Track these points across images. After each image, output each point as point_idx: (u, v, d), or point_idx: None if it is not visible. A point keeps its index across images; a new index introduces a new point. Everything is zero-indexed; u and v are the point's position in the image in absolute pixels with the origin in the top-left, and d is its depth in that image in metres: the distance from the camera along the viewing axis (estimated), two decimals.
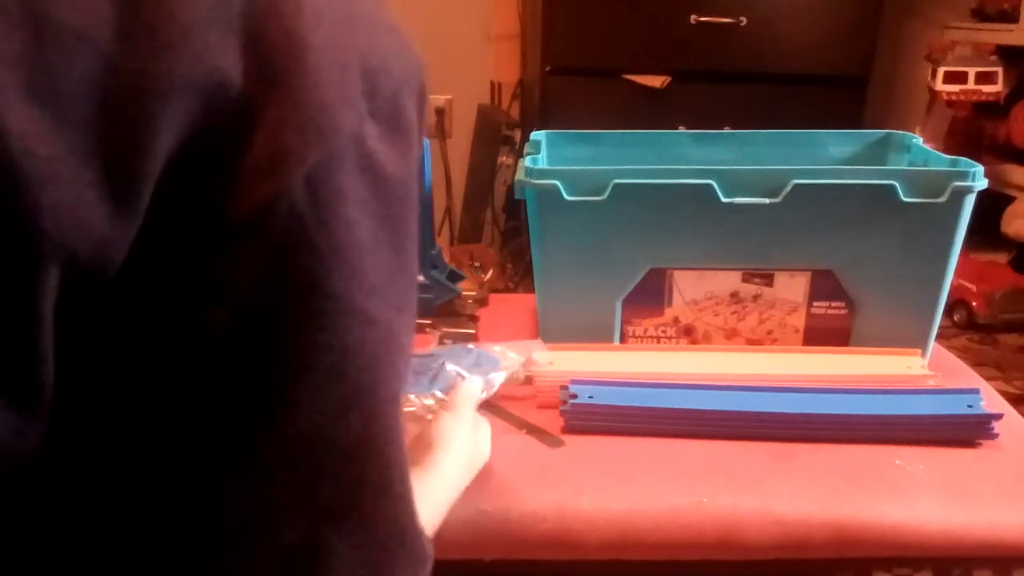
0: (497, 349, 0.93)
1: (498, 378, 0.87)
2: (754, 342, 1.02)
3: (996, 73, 2.42)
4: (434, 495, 0.64)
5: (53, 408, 0.32)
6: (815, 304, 1.00)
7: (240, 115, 0.32)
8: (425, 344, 1.03)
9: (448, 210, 2.69)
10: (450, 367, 0.88)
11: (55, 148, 0.29)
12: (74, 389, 0.32)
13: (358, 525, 0.38)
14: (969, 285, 2.45)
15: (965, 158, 0.98)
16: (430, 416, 0.76)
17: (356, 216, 0.35)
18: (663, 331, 1.02)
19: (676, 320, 1.02)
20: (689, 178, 0.94)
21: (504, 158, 2.59)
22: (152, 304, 0.33)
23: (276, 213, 0.33)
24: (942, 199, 0.93)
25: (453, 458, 0.69)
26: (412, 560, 0.41)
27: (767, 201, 0.94)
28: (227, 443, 0.34)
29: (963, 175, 0.93)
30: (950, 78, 2.42)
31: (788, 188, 0.93)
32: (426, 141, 0.99)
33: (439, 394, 0.83)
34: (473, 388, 0.80)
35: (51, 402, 0.32)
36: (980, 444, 0.86)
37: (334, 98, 0.34)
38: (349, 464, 0.37)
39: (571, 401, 0.87)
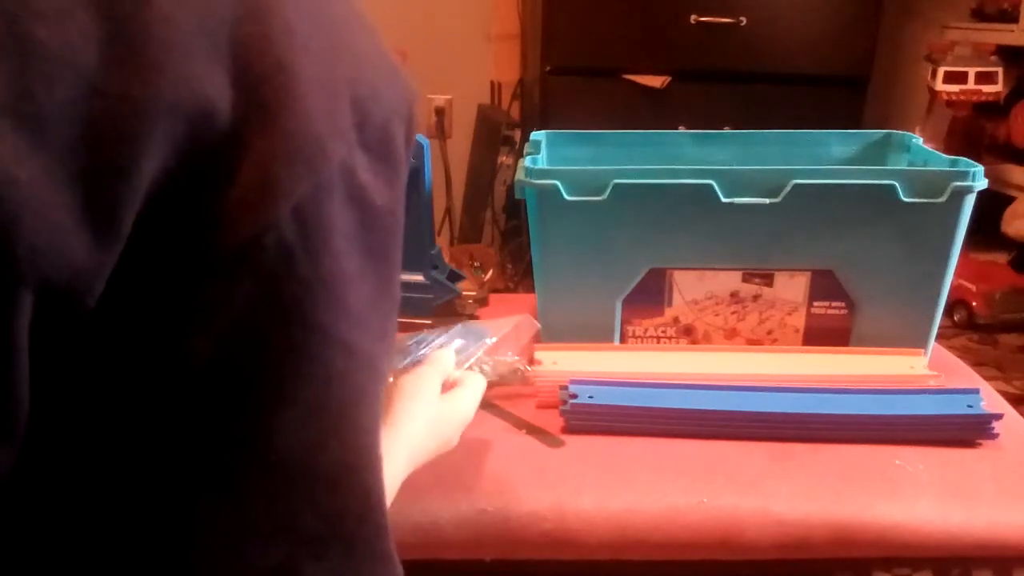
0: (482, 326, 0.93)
1: (477, 350, 0.87)
2: (754, 342, 1.02)
3: (996, 73, 2.42)
4: (390, 453, 0.62)
5: (27, 435, 0.31)
6: (815, 304, 1.00)
7: (227, 143, 0.32)
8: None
9: (448, 210, 2.69)
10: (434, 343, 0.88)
11: (33, 172, 0.28)
12: (49, 416, 0.32)
13: (337, 553, 0.37)
14: (969, 285, 2.45)
15: (965, 158, 0.98)
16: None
17: (343, 248, 0.35)
18: (663, 331, 1.02)
19: (676, 320, 1.02)
20: (689, 178, 0.94)
21: (504, 158, 2.59)
22: (134, 333, 0.32)
23: (264, 245, 0.32)
24: (942, 199, 0.93)
25: (410, 419, 0.67)
26: None
27: (767, 201, 0.94)
28: (206, 471, 0.34)
29: (963, 175, 0.93)
30: (950, 78, 2.42)
31: (788, 188, 0.93)
32: (426, 141, 1.00)
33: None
34: (444, 355, 0.78)
35: (24, 430, 0.31)
36: (980, 444, 0.86)
37: (323, 129, 0.34)
38: (329, 493, 0.37)
39: (571, 401, 0.87)
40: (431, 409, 0.70)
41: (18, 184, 0.28)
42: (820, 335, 1.01)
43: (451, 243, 2.62)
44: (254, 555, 0.35)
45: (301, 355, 0.34)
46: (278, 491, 0.35)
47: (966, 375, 1.03)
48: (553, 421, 0.88)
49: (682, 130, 1.22)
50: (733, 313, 1.01)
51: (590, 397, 0.88)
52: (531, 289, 1.03)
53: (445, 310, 1.12)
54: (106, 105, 0.30)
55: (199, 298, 0.32)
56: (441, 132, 2.74)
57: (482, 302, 1.20)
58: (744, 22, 2.35)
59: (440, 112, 2.75)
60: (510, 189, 2.49)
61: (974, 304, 2.45)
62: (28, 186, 0.28)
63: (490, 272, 2.02)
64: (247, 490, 0.34)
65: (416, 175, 0.99)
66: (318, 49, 0.35)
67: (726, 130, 1.20)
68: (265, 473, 0.34)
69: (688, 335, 1.02)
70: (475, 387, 0.77)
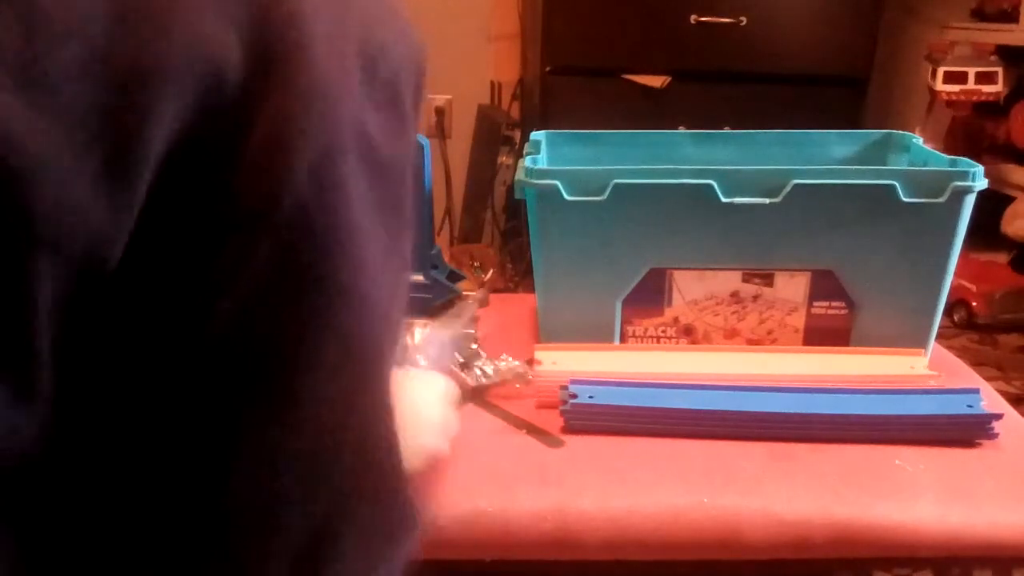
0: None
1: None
2: (754, 342, 1.02)
3: (996, 73, 2.42)
4: None
5: (54, 404, 0.31)
6: (815, 304, 1.00)
7: (239, 104, 0.32)
8: None
9: (448, 210, 2.69)
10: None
11: (46, 138, 0.29)
12: (77, 385, 0.32)
13: (366, 509, 0.38)
14: (969, 285, 2.44)
15: (965, 158, 0.98)
16: None
17: (357, 204, 0.35)
18: (663, 331, 1.02)
19: (676, 320, 1.01)
20: (689, 178, 0.94)
21: (504, 158, 2.59)
22: (158, 298, 0.32)
23: (281, 205, 0.33)
24: (942, 199, 0.93)
25: None
26: (411, 533, 0.41)
27: (767, 201, 0.94)
28: (237, 436, 0.34)
29: (963, 175, 0.93)
30: (950, 78, 2.42)
31: (788, 188, 0.93)
32: (426, 141, 0.99)
33: None
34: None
35: (50, 398, 0.31)
36: (980, 444, 0.86)
37: (334, 86, 0.34)
38: (358, 450, 0.37)
39: (571, 401, 0.87)
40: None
41: (31, 150, 0.28)
42: (820, 335, 1.01)
43: (451, 243, 2.62)
44: (289, 520, 0.35)
45: (322, 312, 0.34)
46: (309, 454, 0.35)
47: (966, 375, 1.03)
48: (553, 421, 0.88)
49: (682, 130, 1.22)
50: (733, 313, 1.01)
51: (590, 397, 0.88)
52: (531, 289, 1.03)
53: (445, 310, 1.12)
54: (117, 70, 0.30)
55: (219, 260, 0.32)
56: (441, 132, 2.74)
57: (482, 302, 1.20)
58: (744, 22, 2.35)
59: (440, 112, 2.75)
60: (510, 189, 2.49)
61: (974, 304, 2.45)
62: (42, 151, 0.28)
63: (490, 272, 2.02)
64: (279, 455, 0.35)
65: (416, 175, 0.99)
66: (327, 6, 0.35)
67: (726, 130, 1.20)
68: (296, 436, 0.35)
69: (688, 335, 1.02)
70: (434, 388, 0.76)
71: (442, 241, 2.62)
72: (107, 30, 0.30)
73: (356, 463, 0.37)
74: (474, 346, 0.94)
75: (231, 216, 0.32)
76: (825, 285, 0.99)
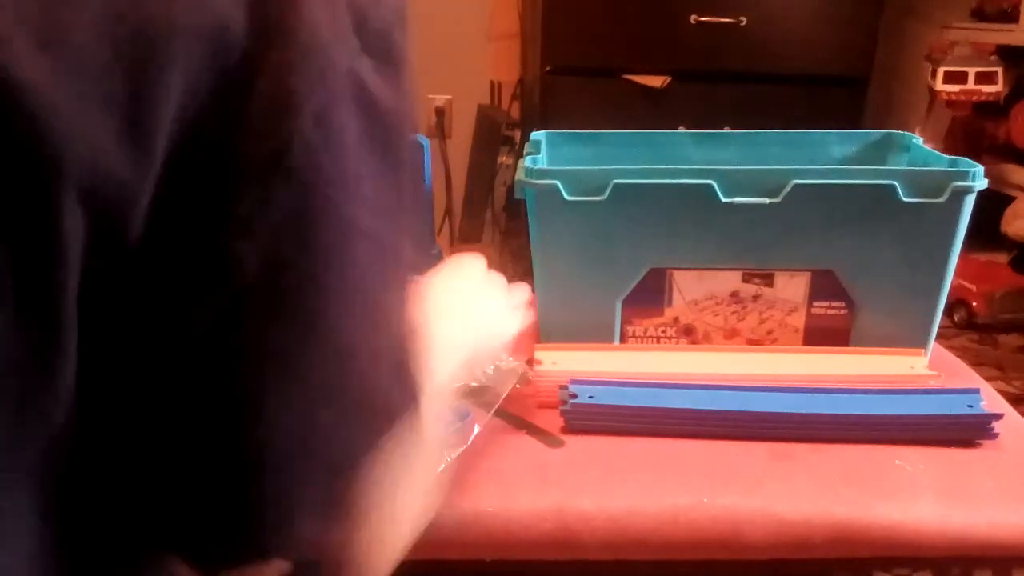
0: None
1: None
2: (754, 342, 1.02)
3: (996, 73, 2.42)
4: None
5: (82, 347, 0.33)
6: (815, 304, 1.00)
7: (245, 61, 0.34)
8: None
9: (448, 210, 2.69)
10: None
11: (70, 96, 0.31)
12: (107, 328, 0.34)
13: (398, 426, 0.41)
14: (969, 285, 2.45)
15: (965, 158, 0.98)
16: None
17: (358, 147, 0.38)
18: (663, 331, 1.02)
19: (676, 320, 1.02)
20: (689, 178, 0.94)
21: (504, 158, 2.60)
22: (182, 252, 0.34)
23: (292, 151, 0.35)
24: (942, 199, 0.93)
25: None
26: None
27: (767, 201, 0.94)
28: (272, 371, 0.36)
29: (963, 175, 0.93)
30: (950, 78, 2.42)
31: (788, 188, 0.93)
32: (426, 141, 0.99)
33: None
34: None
35: (73, 344, 0.33)
36: (980, 444, 0.86)
37: (328, 37, 0.36)
38: (390, 373, 0.41)
39: (571, 401, 0.87)
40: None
41: (57, 107, 0.30)
42: (820, 335, 1.01)
43: (451, 243, 2.62)
44: (328, 446, 0.39)
45: (337, 250, 0.37)
46: (344, 381, 0.39)
47: (966, 375, 1.03)
48: (553, 421, 0.88)
49: (682, 130, 1.22)
50: (733, 313, 1.01)
51: (590, 397, 0.88)
52: (531, 289, 1.03)
53: None
54: (130, 29, 0.32)
55: (238, 209, 0.34)
56: (441, 132, 2.74)
57: None
58: (744, 22, 2.35)
59: (440, 112, 2.75)
60: (510, 189, 2.49)
61: (974, 304, 2.45)
62: (66, 106, 0.30)
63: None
64: (313, 380, 0.37)
65: (416, 174, 0.99)
66: None
67: (726, 130, 1.20)
68: (325, 361, 0.38)
69: (688, 335, 1.02)
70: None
71: (442, 241, 2.62)
72: None
73: (388, 386, 0.41)
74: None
75: (246, 166, 0.34)
76: (825, 285, 0.99)
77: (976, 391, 0.89)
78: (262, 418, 0.37)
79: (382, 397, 0.41)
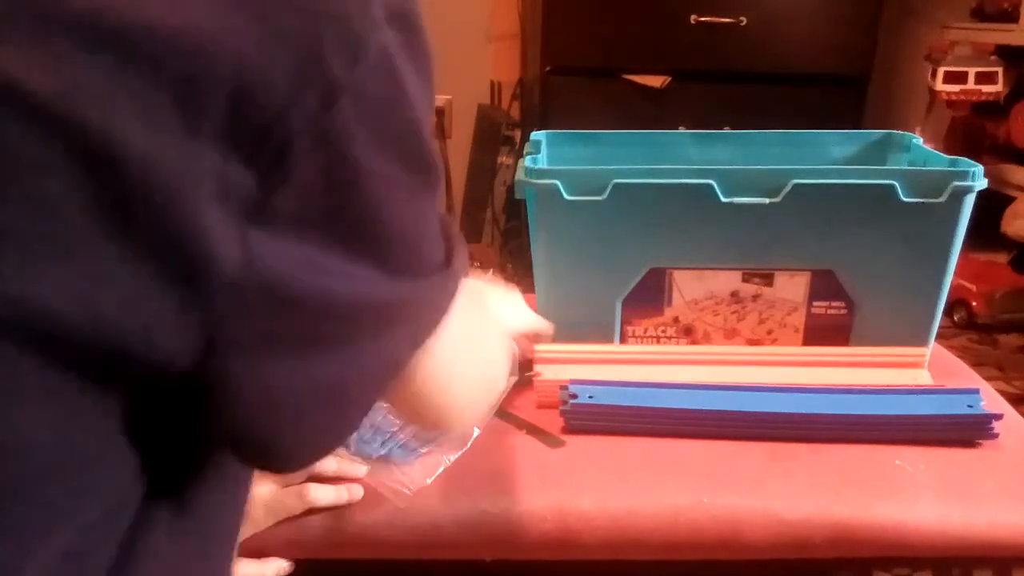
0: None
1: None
2: (754, 342, 1.02)
3: (996, 73, 2.42)
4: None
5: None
6: (815, 304, 1.00)
7: (289, 35, 0.35)
8: None
9: (448, 210, 2.68)
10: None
11: (126, 86, 0.32)
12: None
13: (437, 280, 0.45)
14: (969, 285, 2.44)
15: (965, 158, 0.98)
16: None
17: (390, 111, 0.39)
18: (663, 331, 1.02)
19: (676, 320, 1.02)
20: (689, 178, 0.94)
21: (504, 158, 2.59)
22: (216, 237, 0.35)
23: (333, 123, 0.36)
24: (942, 199, 0.93)
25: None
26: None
27: (767, 201, 0.94)
28: (320, 319, 0.39)
29: (963, 175, 0.93)
30: (950, 78, 2.42)
31: (788, 188, 0.93)
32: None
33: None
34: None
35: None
36: (980, 444, 0.86)
37: (359, 10, 0.37)
38: (427, 308, 0.44)
39: (571, 401, 0.87)
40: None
41: (115, 97, 0.32)
42: (820, 335, 1.01)
43: None
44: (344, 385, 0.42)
45: (376, 197, 0.39)
46: (390, 319, 0.42)
47: (966, 375, 1.03)
48: (553, 421, 0.88)
49: (682, 130, 1.22)
50: (733, 313, 1.01)
51: (590, 397, 0.88)
52: (531, 289, 1.03)
53: None
54: (188, 40, 0.33)
55: (285, 167, 0.35)
56: (441, 132, 2.74)
57: None
58: (744, 22, 2.35)
59: (440, 112, 2.75)
60: (510, 189, 2.49)
61: (974, 304, 2.45)
62: (123, 98, 0.32)
63: (490, 272, 2.02)
64: (360, 327, 0.41)
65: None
66: None
67: (726, 130, 1.20)
68: (378, 308, 0.41)
69: (688, 335, 1.02)
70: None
71: None
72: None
73: (427, 318, 0.45)
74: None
75: (293, 134, 0.35)
76: (825, 285, 0.99)
77: (976, 391, 0.89)
78: (286, 382, 0.39)
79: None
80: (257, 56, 0.34)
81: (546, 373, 0.93)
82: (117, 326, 0.34)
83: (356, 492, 0.77)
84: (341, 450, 0.81)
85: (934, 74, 2.44)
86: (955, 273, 0.98)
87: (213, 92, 0.33)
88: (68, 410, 0.35)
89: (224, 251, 0.34)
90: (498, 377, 0.63)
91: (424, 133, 0.41)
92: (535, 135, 1.14)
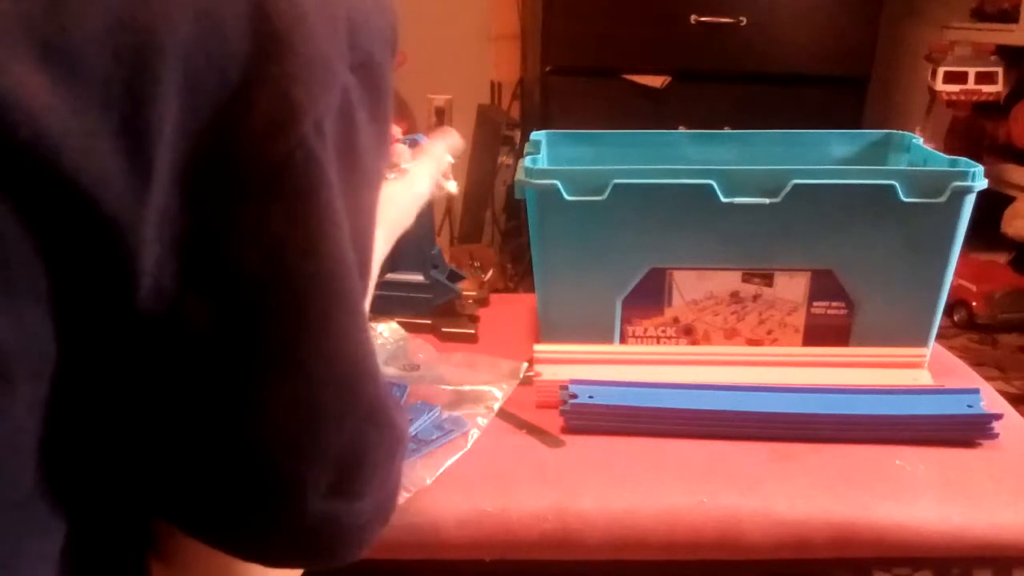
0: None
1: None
2: (754, 342, 1.02)
3: (996, 73, 2.42)
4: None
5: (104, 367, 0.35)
6: (815, 304, 1.00)
7: (248, 72, 0.34)
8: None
9: (448, 210, 2.68)
10: None
11: (68, 101, 0.31)
12: (113, 334, 0.35)
13: (387, 418, 0.43)
14: (969, 285, 2.44)
15: (965, 158, 0.98)
16: None
17: (364, 149, 0.39)
18: (663, 331, 1.02)
19: (676, 320, 1.02)
20: (689, 178, 0.94)
21: (504, 158, 2.59)
22: (186, 261, 0.34)
23: (296, 161, 0.35)
24: (942, 199, 0.93)
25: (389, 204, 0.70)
26: (402, 450, 0.46)
27: (767, 201, 0.94)
28: (274, 366, 0.37)
29: (963, 175, 0.93)
30: (950, 78, 2.42)
31: (788, 188, 0.93)
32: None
33: None
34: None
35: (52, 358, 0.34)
36: (980, 444, 0.86)
37: (329, 51, 0.37)
38: (365, 378, 0.42)
39: (571, 401, 0.87)
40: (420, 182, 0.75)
41: (55, 111, 0.30)
42: (820, 335, 1.01)
43: (451, 243, 2.62)
44: (326, 441, 0.40)
45: (340, 246, 0.38)
46: (342, 371, 0.40)
47: (966, 375, 1.03)
48: (553, 421, 0.88)
49: (682, 130, 1.22)
50: (733, 313, 1.01)
51: (590, 397, 0.88)
52: (531, 289, 1.03)
53: (445, 310, 1.12)
54: (130, 38, 0.32)
55: (245, 217, 0.35)
56: None
57: (482, 302, 1.20)
58: (744, 22, 2.35)
59: (440, 112, 2.75)
60: (510, 189, 2.49)
61: (974, 304, 2.45)
62: (65, 113, 0.31)
63: (490, 272, 2.02)
64: (316, 378, 0.38)
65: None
66: None
67: (726, 130, 1.20)
68: (328, 358, 0.39)
69: (688, 335, 1.02)
70: (426, 165, 0.77)
71: (442, 241, 2.62)
72: (124, 1, 0.32)
73: (364, 390, 0.42)
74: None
75: (251, 175, 0.35)
76: (825, 285, 0.99)
77: (976, 391, 0.89)
78: (267, 412, 0.38)
79: (387, 401, 0.43)
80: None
81: (546, 373, 0.93)
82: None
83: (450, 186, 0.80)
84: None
85: (934, 74, 2.44)
86: (955, 273, 0.98)
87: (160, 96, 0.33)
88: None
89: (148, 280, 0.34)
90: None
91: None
92: (535, 135, 1.14)
